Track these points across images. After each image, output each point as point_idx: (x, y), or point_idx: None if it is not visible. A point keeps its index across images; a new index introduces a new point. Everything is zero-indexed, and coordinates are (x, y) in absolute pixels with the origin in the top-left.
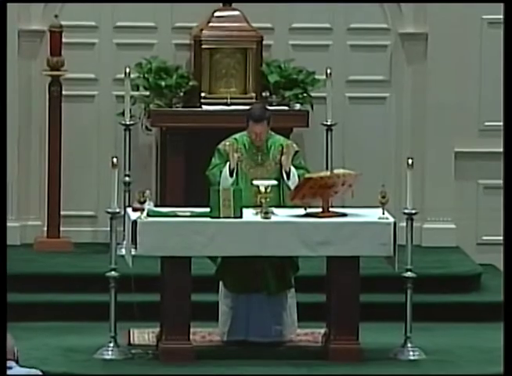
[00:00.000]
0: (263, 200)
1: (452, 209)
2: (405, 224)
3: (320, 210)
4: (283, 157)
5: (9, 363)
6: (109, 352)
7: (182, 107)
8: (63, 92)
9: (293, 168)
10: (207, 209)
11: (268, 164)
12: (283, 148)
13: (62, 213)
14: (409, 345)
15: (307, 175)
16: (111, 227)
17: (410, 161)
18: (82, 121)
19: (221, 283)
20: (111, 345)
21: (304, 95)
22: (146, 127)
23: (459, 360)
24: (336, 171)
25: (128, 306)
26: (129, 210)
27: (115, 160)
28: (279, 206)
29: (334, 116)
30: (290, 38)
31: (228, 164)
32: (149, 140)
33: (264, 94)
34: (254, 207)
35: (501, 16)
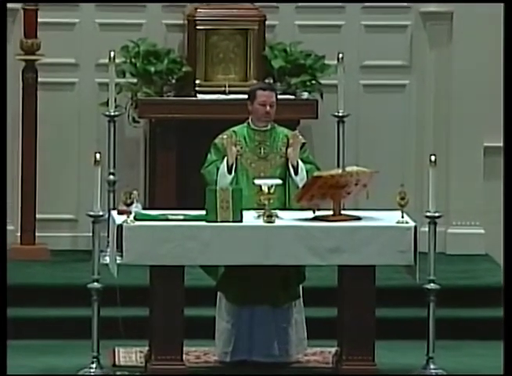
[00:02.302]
0: (266, 202)
1: (481, 212)
2: (427, 229)
3: (331, 213)
4: (289, 149)
5: None
6: (92, 374)
7: (174, 96)
8: (39, 79)
9: (301, 162)
10: (203, 212)
11: (271, 158)
12: (288, 139)
13: (37, 217)
14: (431, 366)
15: (316, 173)
16: (93, 232)
17: (433, 158)
18: (60, 111)
19: (220, 297)
20: (93, 366)
21: (313, 82)
22: (133, 118)
23: None
24: (348, 168)
25: (113, 322)
26: (114, 213)
27: (98, 156)
28: (284, 208)
29: (347, 106)
30: (297, 18)
31: (225, 159)
32: (137, 133)
33: (267, 81)
34: (255, 209)
35: None
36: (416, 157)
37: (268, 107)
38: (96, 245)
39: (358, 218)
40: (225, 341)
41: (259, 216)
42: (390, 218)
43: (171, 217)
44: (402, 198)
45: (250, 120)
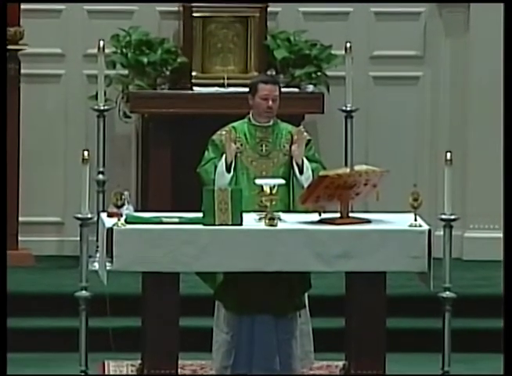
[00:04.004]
0: (268, 203)
1: (501, 214)
2: (442, 232)
3: (338, 215)
4: (293, 147)
5: None
6: None
7: (168, 89)
8: (22, 71)
9: (306, 161)
10: (199, 214)
11: (274, 156)
12: (292, 136)
13: (20, 219)
14: None
15: (322, 173)
16: (81, 236)
17: (449, 155)
18: (45, 105)
19: (218, 306)
20: None
21: (319, 74)
22: (125, 113)
23: None
24: (357, 167)
25: (103, 333)
26: (103, 215)
27: (86, 154)
28: (287, 210)
29: (355, 100)
30: (301, 4)
31: (224, 157)
32: (128, 129)
33: (269, 73)
34: (256, 211)
35: None
36: (431, 155)
37: (270, 101)
38: (84, 250)
39: (368, 221)
40: (225, 355)
41: (260, 219)
42: (402, 221)
43: (165, 220)
44: (415, 199)
45: (250, 115)
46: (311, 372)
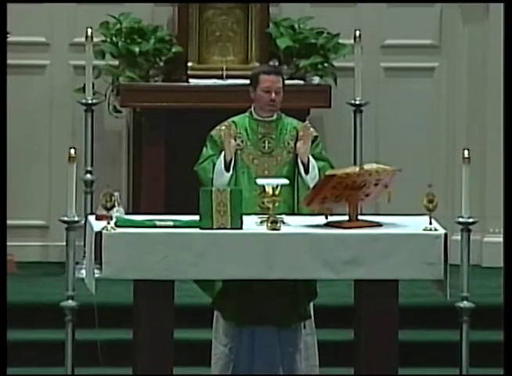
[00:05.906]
0: (270, 205)
1: None
2: (459, 237)
3: (346, 218)
4: (298, 144)
5: None
6: None
7: (162, 81)
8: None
9: (312, 159)
10: (196, 217)
11: (278, 154)
12: (297, 132)
13: None
14: None
15: (329, 172)
16: (67, 241)
17: (466, 153)
18: (29, 98)
19: (217, 317)
20: None
21: (325, 65)
22: (115, 107)
23: None
24: (367, 166)
25: (91, 346)
26: (91, 218)
27: (73, 151)
28: (291, 213)
29: (365, 93)
30: None
31: (223, 154)
32: (119, 125)
33: (271, 64)
34: (258, 214)
35: None
36: (447, 153)
37: (273, 94)
38: (71, 256)
39: (379, 225)
40: (223, 368)
41: (262, 222)
42: (416, 224)
43: (158, 223)
44: (430, 201)
45: (252, 109)
46: None
